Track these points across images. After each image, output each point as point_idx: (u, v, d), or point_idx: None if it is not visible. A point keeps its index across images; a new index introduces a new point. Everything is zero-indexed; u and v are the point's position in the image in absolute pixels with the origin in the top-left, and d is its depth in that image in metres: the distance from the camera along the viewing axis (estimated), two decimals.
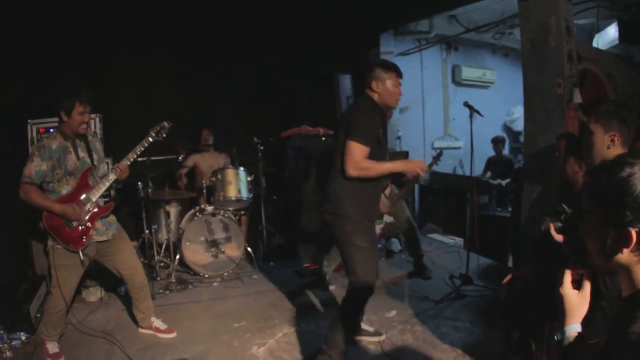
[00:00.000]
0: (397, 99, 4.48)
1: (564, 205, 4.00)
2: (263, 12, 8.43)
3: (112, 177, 4.76)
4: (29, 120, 6.69)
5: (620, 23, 7.56)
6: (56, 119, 4.69)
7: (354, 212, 4.32)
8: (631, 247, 1.64)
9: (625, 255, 1.67)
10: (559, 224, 3.84)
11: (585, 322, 2.00)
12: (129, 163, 4.86)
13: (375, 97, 4.39)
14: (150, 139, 4.96)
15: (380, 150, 4.38)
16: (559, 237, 3.88)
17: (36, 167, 4.44)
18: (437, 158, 6.61)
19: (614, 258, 1.69)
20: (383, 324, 5.42)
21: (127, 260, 5.09)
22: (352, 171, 4.17)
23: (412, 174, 4.69)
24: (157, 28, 7.87)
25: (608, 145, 3.31)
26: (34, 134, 6.67)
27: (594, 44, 8.18)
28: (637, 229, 1.62)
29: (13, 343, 5.05)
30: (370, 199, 4.49)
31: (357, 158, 4.14)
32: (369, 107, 4.35)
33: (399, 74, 4.41)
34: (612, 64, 7.24)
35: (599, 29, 8.13)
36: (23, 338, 5.15)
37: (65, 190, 4.62)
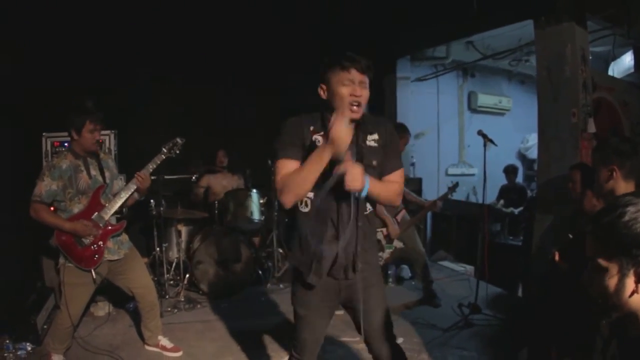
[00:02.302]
0: (349, 102, 2.94)
1: (570, 236, 3.98)
2: (281, 34, 8.47)
3: (132, 186, 4.76)
4: (43, 134, 6.75)
5: (636, 51, 7.55)
6: None
7: (292, 260, 3.31)
8: None
9: (639, 296, 1.65)
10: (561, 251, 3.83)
11: (584, 354, 1.99)
12: (150, 171, 4.87)
13: (328, 108, 3.08)
14: (163, 156, 4.97)
15: None
16: (563, 264, 3.85)
17: (46, 186, 4.47)
18: (452, 189, 6.61)
19: (629, 299, 1.67)
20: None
21: (139, 280, 5.09)
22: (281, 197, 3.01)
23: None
24: (173, 46, 7.94)
25: (607, 178, 3.32)
26: (49, 147, 6.73)
27: (610, 72, 8.16)
28: None
29: (19, 353, 5.06)
30: (305, 243, 3.13)
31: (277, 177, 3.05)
32: (291, 118, 3.23)
33: (346, 64, 2.96)
34: (627, 92, 7.22)
35: (614, 56, 8.12)
36: (29, 348, 5.15)
37: (77, 208, 4.63)
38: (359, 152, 3.03)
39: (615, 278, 1.67)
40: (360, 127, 3.09)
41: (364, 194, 2.87)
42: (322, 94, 3.08)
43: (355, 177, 2.78)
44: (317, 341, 3.40)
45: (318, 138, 3.04)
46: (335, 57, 3.01)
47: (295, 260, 3.20)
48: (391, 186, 3.17)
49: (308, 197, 3.03)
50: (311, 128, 3.08)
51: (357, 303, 3.14)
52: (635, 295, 1.64)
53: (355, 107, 2.94)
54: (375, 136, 3.16)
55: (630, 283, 1.64)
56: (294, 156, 3.00)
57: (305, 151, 2.99)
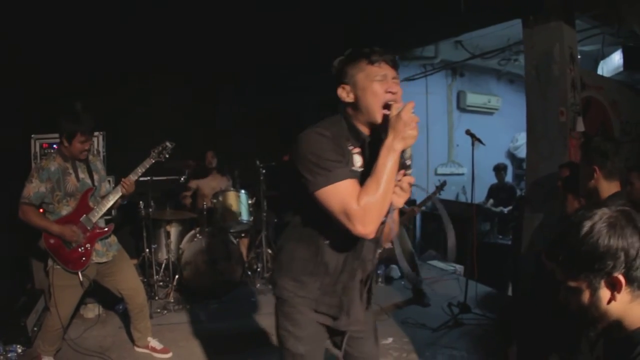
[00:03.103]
0: (386, 100, 2.46)
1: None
2: (267, 34, 8.44)
3: (118, 192, 4.77)
4: (32, 135, 6.72)
5: (625, 50, 7.56)
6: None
7: (292, 296, 2.71)
8: (622, 290, 1.63)
9: (617, 303, 1.65)
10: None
11: (571, 353, 2.00)
12: (136, 178, 4.87)
13: (349, 112, 2.61)
14: (152, 160, 4.97)
15: None
16: (550, 265, 3.86)
17: (34, 188, 4.47)
18: (440, 188, 6.62)
19: (607, 308, 1.68)
20: (379, 351, 5.37)
21: (127, 281, 5.09)
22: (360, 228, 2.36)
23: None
24: (161, 48, 7.91)
25: (589, 178, 3.34)
26: (37, 149, 6.70)
27: (599, 71, 8.17)
28: (621, 272, 1.61)
29: (9, 355, 5.03)
30: (326, 277, 2.67)
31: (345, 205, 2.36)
32: (312, 132, 2.53)
33: (375, 58, 2.53)
34: (616, 91, 7.24)
35: (604, 55, 8.13)
36: (19, 351, 5.13)
37: (65, 211, 4.63)
38: None
39: (588, 293, 1.67)
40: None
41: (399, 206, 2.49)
42: (345, 95, 2.55)
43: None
44: None
45: (356, 156, 2.57)
46: (358, 51, 2.60)
47: (308, 295, 2.67)
48: None
49: (333, 229, 2.47)
50: (348, 142, 2.56)
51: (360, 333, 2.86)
52: (614, 302, 1.65)
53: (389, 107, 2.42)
54: None
55: (604, 293, 1.65)
56: (350, 175, 2.39)
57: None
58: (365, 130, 2.58)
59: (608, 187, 3.26)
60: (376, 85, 2.45)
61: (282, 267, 2.75)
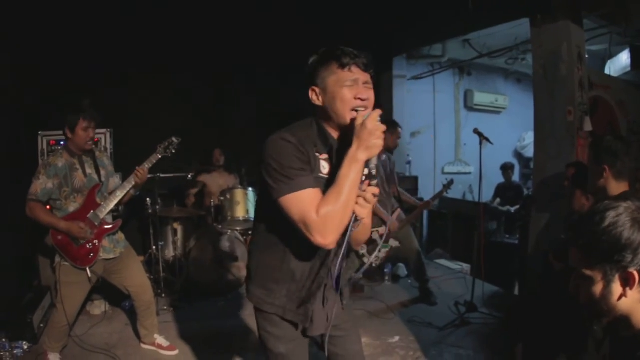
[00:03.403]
0: (353, 106, 2.39)
1: (562, 237, 4.00)
2: (275, 33, 8.45)
3: (128, 185, 4.78)
4: (39, 132, 6.74)
5: (633, 50, 7.54)
6: None
7: (262, 303, 2.70)
8: (634, 287, 1.62)
9: (627, 299, 1.65)
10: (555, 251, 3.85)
11: (577, 352, 1.99)
12: (149, 167, 4.88)
13: (320, 115, 2.56)
14: (159, 155, 4.96)
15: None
16: (558, 265, 3.86)
17: (42, 185, 4.46)
18: (447, 187, 6.61)
19: (618, 303, 1.67)
20: (386, 350, 5.37)
21: (135, 278, 5.09)
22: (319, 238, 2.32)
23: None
24: (170, 45, 7.91)
25: (598, 177, 3.32)
26: (44, 146, 6.73)
27: (606, 71, 8.16)
28: (637, 268, 1.60)
29: (15, 352, 5.04)
30: (292, 285, 2.64)
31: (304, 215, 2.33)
32: (277, 138, 2.46)
33: (346, 62, 2.42)
34: (623, 91, 7.22)
35: (611, 55, 8.11)
36: (25, 347, 5.14)
37: (72, 207, 4.63)
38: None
39: (601, 285, 1.66)
40: None
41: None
42: (316, 98, 2.49)
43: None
44: None
45: (323, 162, 2.51)
46: (330, 53, 2.49)
47: (275, 302, 2.64)
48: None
49: (299, 236, 2.37)
50: (315, 148, 2.49)
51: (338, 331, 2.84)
52: (624, 298, 1.64)
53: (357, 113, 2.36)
54: None
55: (617, 288, 1.64)
56: (312, 184, 2.35)
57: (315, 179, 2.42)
58: (335, 135, 2.54)
59: (617, 187, 3.24)
60: (345, 91, 2.38)
61: (251, 274, 2.75)
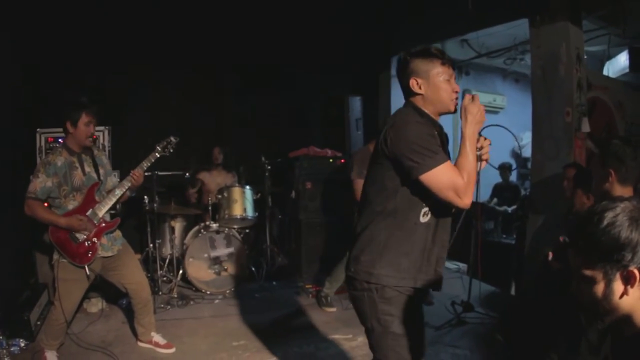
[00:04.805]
0: (453, 98, 2.95)
1: (564, 237, 4.00)
2: (275, 32, 8.46)
3: (126, 183, 4.79)
4: (37, 129, 6.72)
5: (631, 51, 7.55)
6: None
7: (392, 279, 2.88)
8: (635, 285, 1.63)
9: (629, 298, 1.66)
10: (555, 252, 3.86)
11: (572, 353, 2.00)
12: (144, 169, 4.89)
13: (419, 101, 2.98)
14: (157, 154, 4.99)
15: None
16: (555, 265, 3.87)
17: (41, 183, 4.46)
18: None
19: (620, 302, 1.68)
20: None
21: (132, 275, 5.09)
22: (466, 199, 2.74)
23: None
24: (168, 43, 7.93)
25: (604, 180, 3.32)
26: (43, 143, 6.70)
27: (605, 72, 8.17)
28: (637, 266, 1.61)
29: (12, 349, 5.04)
30: (423, 253, 2.92)
31: (454, 182, 2.71)
32: (412, 121, 2.87)
33: (445, 60, 2.94)
34: (622, 92, 7.24)
35: (610, 56, 8.13)
36: (22, 345, 5.15)
37: (71, 205, 4.63)
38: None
39: (602, 284, 1.67)
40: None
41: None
42: (417, 87, 2.94)
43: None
44: None
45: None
46: (431, 51, 2.97)
47: (406, 275, 2.89)
48: None
49: (427, 207, 2.85)
50: (435, 132, 2.89)
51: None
52: (625, 297, 1.65)
53: (456, 102, 2.96)
54: None
55: (618, 286, 1.65)
56: (448, 158, 2.79)
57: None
58: (436, 118, 2.99)
59: (621, 192, 3.22)
60: (446, 84, 2.89)
61: (377, 255, 2.90)
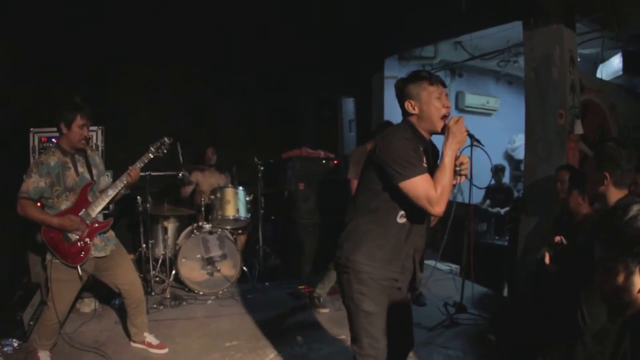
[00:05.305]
0: (443, 113, 3.27)
1: (561, 237, 4.02)
2: (268, 32, 8.47)
3: (119, 183, 4.79)
4: (31, 129, 6.70)
5: (625, 54, 7.58)
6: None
7: (366, 267, 3.31)
8: None
9: None
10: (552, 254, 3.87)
11: (567, 357, 2.00)
12: (140, 166, 4.92)
13: (414, 120, 3.35)
14: (151, 155, 4.99)
15: None
16: (552, 267, 3.88)
17: (34, 183, 4.45)
18: None
19: (638, 296, 1.69)
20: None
21: (125, 276, 5.07)
22: (437, 208, 3.13)
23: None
24: (161, 43, 7.92)
25: (599, 183, 3.32)
26: (36, 143, 6.68)
27: (598, 74, 8.19)
28: None
29: (5, 349, 5.05)
30: (394, 248, 3.34)
31: (428, 192, 3.11)
32: (399, 136, 3.23)
33: (433, 80, 3.29)
34: (615, 95, 7.26)
35: (603, 59, 8.15)
36: (15, 344, 5.14)
37: (64, 205, 4.62)
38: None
39: (623, 277, 1.68)
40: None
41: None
42: (412, 108, 3.31)
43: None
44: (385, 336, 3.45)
45: (423, 155, 3.30)
46: (419, 75, 3.35)
47: (377, 264, 3.32)
48: None
49: (404, 211, 3.28)
50: (420, 144, 3.30)
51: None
52: None
53: (445, 119, 3.28)
54: None
55: (637, 280, 1.66)
56: (426, 170, 3.17)
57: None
58: (426, 135, 3.37)
59: (617, 195, 3.20)
60: (437, 102, 3.24)
61: (356, 244, 3.36)
